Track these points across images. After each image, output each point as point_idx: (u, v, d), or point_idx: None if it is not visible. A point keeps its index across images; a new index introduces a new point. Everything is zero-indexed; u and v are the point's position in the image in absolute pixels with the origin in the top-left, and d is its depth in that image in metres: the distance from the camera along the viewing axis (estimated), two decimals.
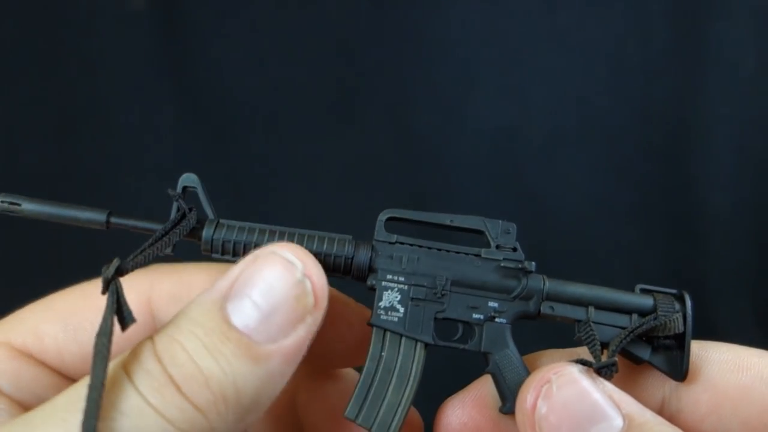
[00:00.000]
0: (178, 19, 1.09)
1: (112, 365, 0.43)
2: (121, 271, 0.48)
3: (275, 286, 0.46)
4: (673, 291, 0.55)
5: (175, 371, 0.43)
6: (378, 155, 1.10)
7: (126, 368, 0.43)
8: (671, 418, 0.53)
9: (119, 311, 0.46)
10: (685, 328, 0.53)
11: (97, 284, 0.51)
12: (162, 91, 1.08)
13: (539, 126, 1.10)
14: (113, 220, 0.53)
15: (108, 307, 0.46)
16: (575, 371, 0.48)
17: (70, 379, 0.57)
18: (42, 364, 0.56)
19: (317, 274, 0.48)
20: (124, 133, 1.09)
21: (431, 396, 0.57)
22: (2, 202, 0.52)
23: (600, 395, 0.47)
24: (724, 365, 0.53)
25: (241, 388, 0.44)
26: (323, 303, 0.48)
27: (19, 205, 0.52)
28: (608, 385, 0.49)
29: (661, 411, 0.54)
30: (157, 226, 0.52)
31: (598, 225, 1.09)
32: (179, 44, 1.09)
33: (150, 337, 0.45)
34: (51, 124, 1.08)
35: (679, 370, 0.53)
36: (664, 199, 1.09)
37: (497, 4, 1.09)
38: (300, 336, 0.46)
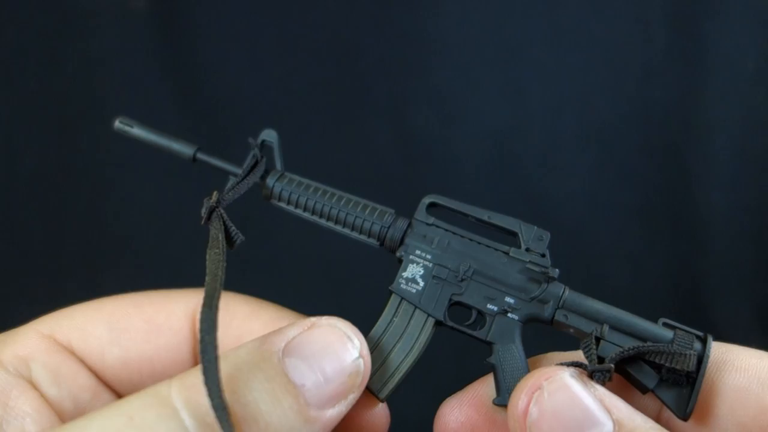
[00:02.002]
0: (178, 18, 1.09)
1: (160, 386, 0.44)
2: (220, 202, 0.55)
3: (339, 357, 0.48)
4: (698, 332, 0.54)
5: (238, 408, 0.43)
6: (378, 155, 1.10)
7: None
8: (669, 419, 0.53)
9: (226, 231, 0.53)
10: (699, 369, 0.51)
11: (148, 296, 0.56)
12: (162, 91, 1.08)
13: (539, 126, 1.10)
14: (199, 155, 0.61)
15: (217, 228, 0.53)
16: (566, 376, 0.48)
17: (107, 385, 0.57)
18: (82, 362, 0.56)
19: (367, 356, 0.50)
20: None
21: (435, 396, 0.58)
22: (120, 122, 0.61)
23: (591, 400, 0.47)
24: (721, 366, 0.52)
25: None
26: (364, 386, 0.50)
27: (131, 127, 0.61)
28: (600, 389, 0.49)
29: (660, 410, 0.54)
30: (233, 168, 0.60)
31: (598, 225, 1.09)
32: (179, 44, 1.09)
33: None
34: (51, 124, 1.08)
35: (683, 407, 0.51)
36: (664, 199, 1.09)
37: (497, 4, 1.09)
38: (340, 411, 0.48)
